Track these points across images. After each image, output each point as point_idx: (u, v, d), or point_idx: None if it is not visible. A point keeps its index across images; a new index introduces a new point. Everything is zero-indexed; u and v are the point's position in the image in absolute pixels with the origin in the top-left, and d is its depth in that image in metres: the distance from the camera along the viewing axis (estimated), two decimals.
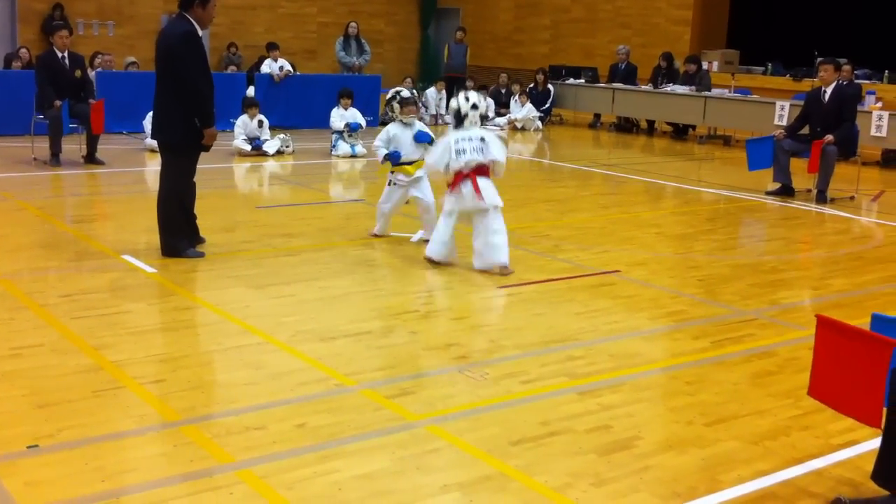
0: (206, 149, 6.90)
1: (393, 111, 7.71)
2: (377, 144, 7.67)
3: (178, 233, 6.90)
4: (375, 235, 7.83)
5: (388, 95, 7.85)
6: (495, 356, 5.14)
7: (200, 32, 6.68)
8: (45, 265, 6.56)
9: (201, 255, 6.94)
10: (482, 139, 6.93)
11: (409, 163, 7.55)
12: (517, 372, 4.87)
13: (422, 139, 7.55)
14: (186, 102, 6.60)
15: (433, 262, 6.95)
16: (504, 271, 6.78)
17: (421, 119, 17.39)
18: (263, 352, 5.04)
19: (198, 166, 7.06)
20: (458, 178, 6.84)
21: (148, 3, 20.88)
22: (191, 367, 4.75)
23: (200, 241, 7.21)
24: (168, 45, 6.62)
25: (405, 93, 7.77)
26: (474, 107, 6.99)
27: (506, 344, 5.35)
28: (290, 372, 4.75)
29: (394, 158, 7.51)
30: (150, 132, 7.43)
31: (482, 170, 6.86)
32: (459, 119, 6.98)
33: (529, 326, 5.66)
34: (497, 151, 6.94)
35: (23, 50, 16.29)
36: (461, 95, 7.09)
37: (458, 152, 6.82)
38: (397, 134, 7.58)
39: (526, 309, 6.04)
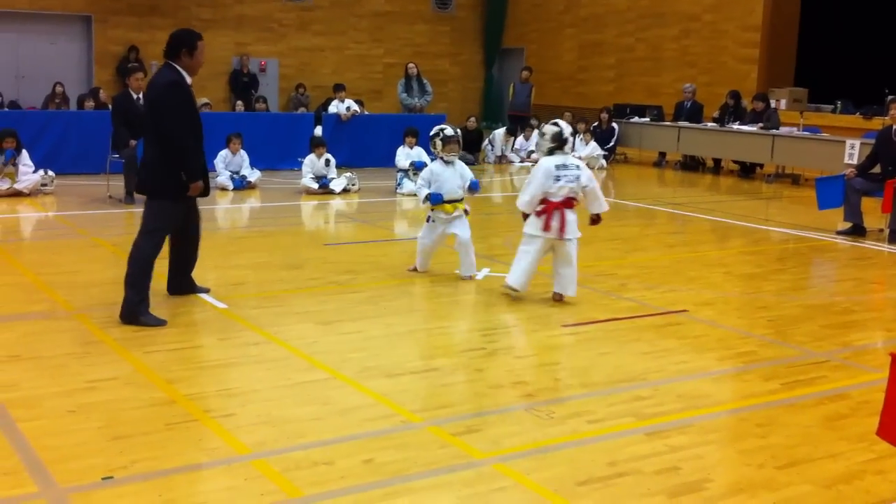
0: (193, 198, 6.60)
1: (435, 148, 7.72)
2: (420, 184, 7.68)
3: (143, 292, 6.24)
4: (415, 271, 7.83)
5: (432, 132, 7.81)
6: (561, 395, 5.12)
7: (190, 80, 6.40)
8: (119, 300, 6.69)
9: (163, 322, 6.16)
10: (577, 167, 6.96)
11: (450, 201, 7.57)
12: (584, 411, 4.84)
13: (475, 188, 7.63)
14: (171, 156, 6.30)
15: (512, 291, 7.00)
16: (567, 300, 6.97)
17: (485, 159, 17.51)
18: (330, 387, 5.09)
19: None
20: (551, 207, 6.84)
21: (219, 45, 21.43)
22: (260, 402, 4.82)
23: (202, 290, 6.92)
24: (153, 97, 6.36)
25: (448, 130, 7.72)
26: (573, 133, 6.99)
27: (572, 383, 5.32)
28: (357, 408, 4.79)
29: (434, 200, 7.51)
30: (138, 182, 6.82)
31: (570, 202, 6.89)
32: (560, 143, 6.93)
33: (595, 366, 5.63)
34: (588, 178, 6.95)
35: (100, 91, 16.86)
36: (559, 122, 7.05)
37: (556, 178, 6.83)
38: (439, 172, 7.61)
39: (592, 348, 6.01)
